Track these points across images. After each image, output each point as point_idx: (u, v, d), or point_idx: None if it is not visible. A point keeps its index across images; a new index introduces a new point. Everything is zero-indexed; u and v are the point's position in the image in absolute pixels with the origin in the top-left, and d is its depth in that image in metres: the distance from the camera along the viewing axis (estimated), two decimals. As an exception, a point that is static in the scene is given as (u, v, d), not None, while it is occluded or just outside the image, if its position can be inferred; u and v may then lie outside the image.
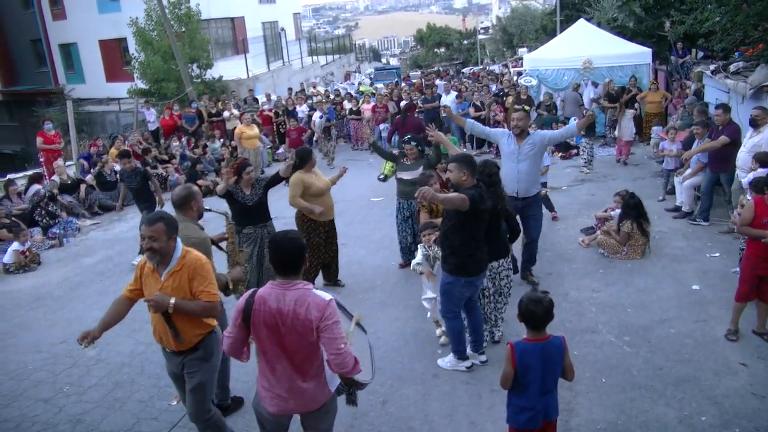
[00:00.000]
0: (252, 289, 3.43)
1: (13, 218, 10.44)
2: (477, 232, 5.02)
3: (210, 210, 5.16)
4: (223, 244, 5.19)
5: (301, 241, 3.32)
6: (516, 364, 3.55)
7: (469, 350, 5.56)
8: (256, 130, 14.56)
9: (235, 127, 16.84)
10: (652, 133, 13.73)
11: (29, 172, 13.51)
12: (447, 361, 5.49)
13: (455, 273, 5.09)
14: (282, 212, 9.26)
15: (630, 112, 13.28)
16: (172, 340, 3.87)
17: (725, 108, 8.63)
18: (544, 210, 7.80)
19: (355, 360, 3.19)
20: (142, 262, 3.91)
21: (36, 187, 11.76)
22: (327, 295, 3.25)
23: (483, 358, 5.50)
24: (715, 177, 8.52)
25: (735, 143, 8.13)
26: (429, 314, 5.97)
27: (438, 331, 5.94)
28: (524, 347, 3.59)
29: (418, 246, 5.76)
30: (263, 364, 3.42)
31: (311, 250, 7.00)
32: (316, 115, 16.31)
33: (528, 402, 3.61)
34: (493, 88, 17.68)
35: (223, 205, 6.20)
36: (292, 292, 3.22)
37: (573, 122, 6.82)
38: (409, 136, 7.48)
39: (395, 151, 8.56)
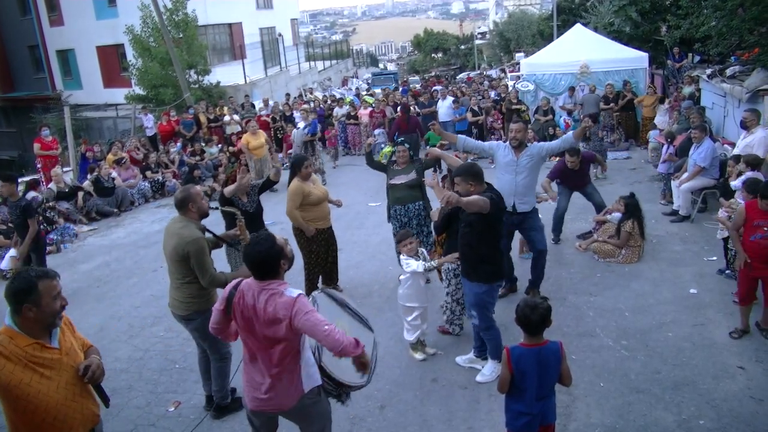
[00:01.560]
0: (237, 280, 3.47)
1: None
2: (497, 236, 5.02)
3: (217, 209, 5.22)
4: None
5: (271, 245, 3.32)
6: (512, 368, 3.58)
7: (472, 355, 5.57)
8: (262, 139, 13.57)
9: (233, 133, 16.85)
10: (649, 137, 13.78)
11: (26, 179, 13.48)
12: (488, 373, 5.31)
13: (491, 280, 5.05)
14: (278, 218, 9.28)
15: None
16: (96, 408, 3.24)
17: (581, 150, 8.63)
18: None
19: (354, 340, 3.23)
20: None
21: (32, 194, 11.72)
22: (295, 292, 3.29)
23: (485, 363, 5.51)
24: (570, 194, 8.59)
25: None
26: (411, 336, 5.70)
27: (418, 356, 5.75)
28: (520, 352, 3.60)
29: (407, 258, 5.51)
30: (244, 356, 3.52)
31: (312, 257, 6.97)
32: (296, 131, 14.53)
33: (525, 407, 3.64)
34: (493, 94, 17.71)
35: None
36: (265, 291, 3.31)
37: (570, 132, 6.66)
38: (402, 139, 7.38)
39: (384, 161, 8.37)
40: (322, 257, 7.06)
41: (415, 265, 5.44)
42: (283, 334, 3.24)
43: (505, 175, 6.52)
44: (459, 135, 7.46)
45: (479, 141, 7.25)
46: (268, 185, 6.66)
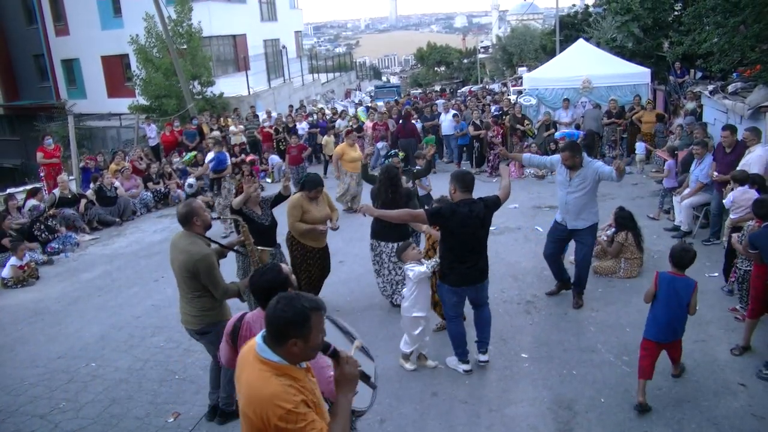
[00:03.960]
0: (241, 312, 3.45)
1: (11, 233, 10.42)
2: (455, 246, 5.24)
3: (219, 218, 5.21)
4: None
5: (278, 274, 3.29)
6: (657, 285, 4.94)
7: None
8: (359, 151, 11.64)
9: (236, 145, 16.84)
10: (636, 149, 13.94)
11: (29, 187, 13.51)
12: (452, 358, 5.72)
13: (441, 279, 5.45)
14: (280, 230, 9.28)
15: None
16: None
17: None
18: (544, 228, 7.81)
19: None
20: None
21: (32, 202, 11.73)
22: None
23: (484, 358, 5.62)
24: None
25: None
26: (408, 348, 5.75)
27: (408, 366, 5.78)
28: (664, 275, 4.98)
29: (412, 265, 5.54)
30: None
31: (302, 272, 6.84)
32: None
33: (655, 317, 4.97)
34: (494, 109, 17.75)
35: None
36: None
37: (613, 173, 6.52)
38: (395, 150, 7.45)
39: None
40: (312, 272, 6.93)
41: (421, 267, 5.47)
42: None
43: (559, 191, 6.83)
44: (524, 154, 7.93)
45: (542, 156, 7.62)
46: (280, 200, 6.49)
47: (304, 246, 6.78)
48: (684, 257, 4.93)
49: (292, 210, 6.60)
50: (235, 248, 5.24)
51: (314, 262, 6.92)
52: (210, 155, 11.92)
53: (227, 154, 12.08)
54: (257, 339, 2.58)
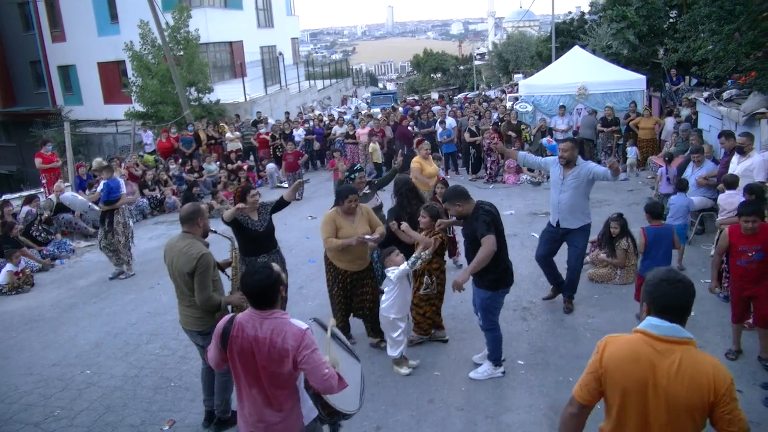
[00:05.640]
0: (231, 314, 3.43)
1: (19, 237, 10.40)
2: (503, 245, 5.35)
3: (215, 232, 5.10)
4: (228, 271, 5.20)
5: (268, 274, 3.26)
6: (645, 236, 6.27)
7: (479, 357, 5.85)
8: (436, 166, 9.87)
9: (231, 151, 16.85)
10: (628, 153, 14.01)
11: (25, 193, 13.48)
12: (481, 371, 5.65)
13: (493, 288, 5.40)
14: (281, 237, 9.25)
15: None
16: None
17: None
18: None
19: (338, 379, 3.21)
20: None
21: (26, 208, 11.70)
22: (303, 324, 3.25)
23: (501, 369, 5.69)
24: None
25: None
26: (395, 352, 5.75)
27: (404, 371, 5.78)
28: (650, 229, 6.33)
29: (393, 268, 5.56)
30: (238, 390, 3.43)
31: (335, 297, 6.25)
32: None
33: (650, 259, 6.19)
34: (494, 116, 17.78)
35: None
36: (269, 320, 3.24)
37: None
38: (358, 166, 7.38)
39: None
40: (343, 301, 6.21)
41: (402, 265, 5.51)
42: (288, 370, 3.17)
43: (553, 191, 6.84)
44: (519, 152, 7.85)
45: (537, 157, 7.55)
46: (282, 205, 6.28)
47: (337, 268, 6.11)
48: (657, 207, 6.52)
49: (324, 226, 5.99)
50: (225, 271, 5.15)
51: (349, 288, 6.17)
52: (99, 184, 9.87)
53: (121, 181, 9.86)
54: (656, 323, 2.73)
